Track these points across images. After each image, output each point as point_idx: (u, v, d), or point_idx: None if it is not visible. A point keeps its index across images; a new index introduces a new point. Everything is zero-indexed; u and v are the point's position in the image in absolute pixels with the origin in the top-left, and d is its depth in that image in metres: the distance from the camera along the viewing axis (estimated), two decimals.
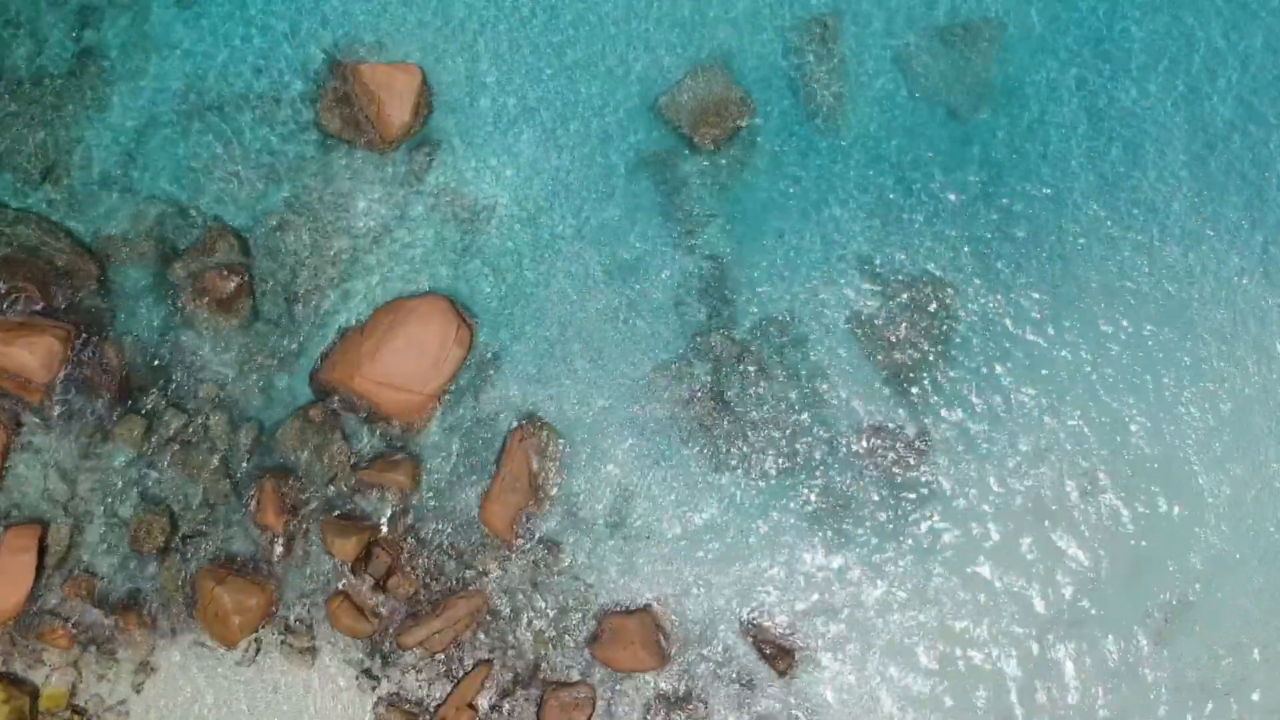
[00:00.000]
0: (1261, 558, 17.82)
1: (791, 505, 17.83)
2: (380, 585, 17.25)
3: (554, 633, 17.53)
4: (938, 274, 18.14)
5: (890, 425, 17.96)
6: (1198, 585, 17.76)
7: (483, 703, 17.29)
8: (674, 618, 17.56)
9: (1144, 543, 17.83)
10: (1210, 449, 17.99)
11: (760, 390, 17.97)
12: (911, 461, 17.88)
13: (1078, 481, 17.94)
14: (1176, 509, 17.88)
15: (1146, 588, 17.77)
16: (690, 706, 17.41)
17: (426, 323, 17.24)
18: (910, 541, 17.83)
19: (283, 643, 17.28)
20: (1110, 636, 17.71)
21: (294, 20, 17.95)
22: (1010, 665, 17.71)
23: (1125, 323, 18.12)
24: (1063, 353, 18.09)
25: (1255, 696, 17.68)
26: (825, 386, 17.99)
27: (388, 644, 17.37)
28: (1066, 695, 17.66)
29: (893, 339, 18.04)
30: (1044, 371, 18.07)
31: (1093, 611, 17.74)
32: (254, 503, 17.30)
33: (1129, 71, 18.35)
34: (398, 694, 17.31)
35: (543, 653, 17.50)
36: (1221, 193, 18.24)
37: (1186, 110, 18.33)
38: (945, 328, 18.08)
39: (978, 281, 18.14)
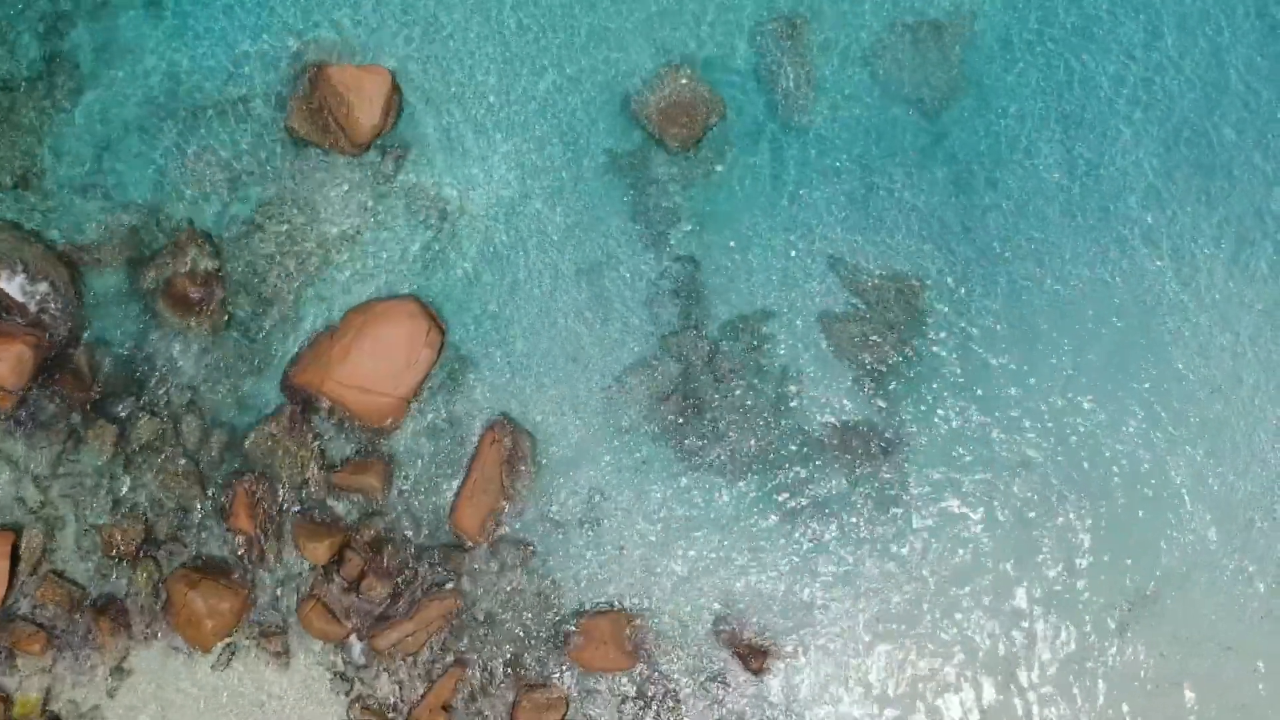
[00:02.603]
0: (1237, 549, 17.90)
1: (764, 505, 17.85)
2: (353, 588, 17.24)
3: (527, 633, 17.53)
4: (909, 271, 18.15)
5: (862, 424, 17.97)
6: (1172, 577, 17.83)
7: (456, 704, 17.30)
8: (647, 618, 17.57)
9: (1118, 534, 17.90)
10: (1187, 444, 18.03)
11: (733, 390, 17.97)
12: (884, 459, 17.90)
13: (1052, 479, 17.98)
14: (1153, 503, 17.93)
15: (1121, 579, 17.85)
16: (663, 706, 17.42)
17: (397, 325, 17.24)
18: (882, 539, 17.86)
19: (257, 646, 17.28)
20: (1084, 627, 17.77)
21: (262, 24, 17.90)
22: (981, 657, 17.76)
23: (1100, 317, 18.14)
24: (1036, 349, 18.11)
25: (1225, 690, 17.75)
26: (797, 385, 18.01)
27: (361, 647, 17.36)
28: (1037, 687, 17.70)
29: (864, 337, 18.05)
30: (1017, 367, 18.09)
31: (1066, 604, 17.81)
32: (226, 507, 17.30)
33: (1100, 62, 18.35)
34: (372, 696, 17.31)
35: (516, 653, 17.50)
36: (1197, 186, 18.22)
37: (1159, 101, 18.32)
38: (917, 325, 18.09)
39: (950, 278, 18.15)
